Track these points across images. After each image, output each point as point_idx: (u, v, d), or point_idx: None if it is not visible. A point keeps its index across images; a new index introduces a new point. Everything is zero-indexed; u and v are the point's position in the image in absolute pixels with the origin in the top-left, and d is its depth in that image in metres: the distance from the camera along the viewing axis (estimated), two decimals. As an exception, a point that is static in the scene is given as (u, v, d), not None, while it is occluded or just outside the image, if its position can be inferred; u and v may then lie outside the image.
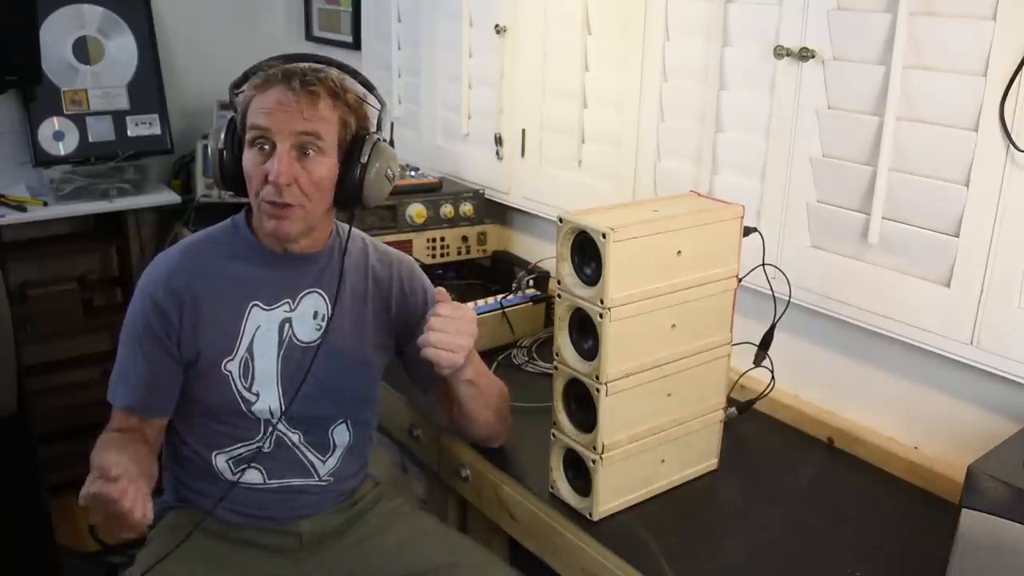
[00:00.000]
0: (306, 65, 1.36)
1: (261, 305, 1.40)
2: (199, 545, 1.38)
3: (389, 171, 1.40)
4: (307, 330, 1.43)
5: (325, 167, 1.34)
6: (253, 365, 1.39)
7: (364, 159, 1.36)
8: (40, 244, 2.78)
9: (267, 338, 1.40)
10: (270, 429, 1.41)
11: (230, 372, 1.38)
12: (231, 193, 1.40)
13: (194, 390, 1.39)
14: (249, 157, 1.33)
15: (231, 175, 1.38)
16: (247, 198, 1.38)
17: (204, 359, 1.38)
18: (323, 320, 1.43)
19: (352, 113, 1.37)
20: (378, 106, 1.42)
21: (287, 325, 1.42)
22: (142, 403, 1.38)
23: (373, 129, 1.41)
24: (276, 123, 1.30)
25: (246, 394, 1.39)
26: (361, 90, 1.40)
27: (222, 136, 1.37)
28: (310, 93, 1.31)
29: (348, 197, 1.38)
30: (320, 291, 1.44)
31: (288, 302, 1.42)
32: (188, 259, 1.42)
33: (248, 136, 1.33)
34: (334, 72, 1.37)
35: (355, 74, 1.41)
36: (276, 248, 1.41)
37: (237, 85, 1.39)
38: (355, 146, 1.37)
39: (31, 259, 2.76)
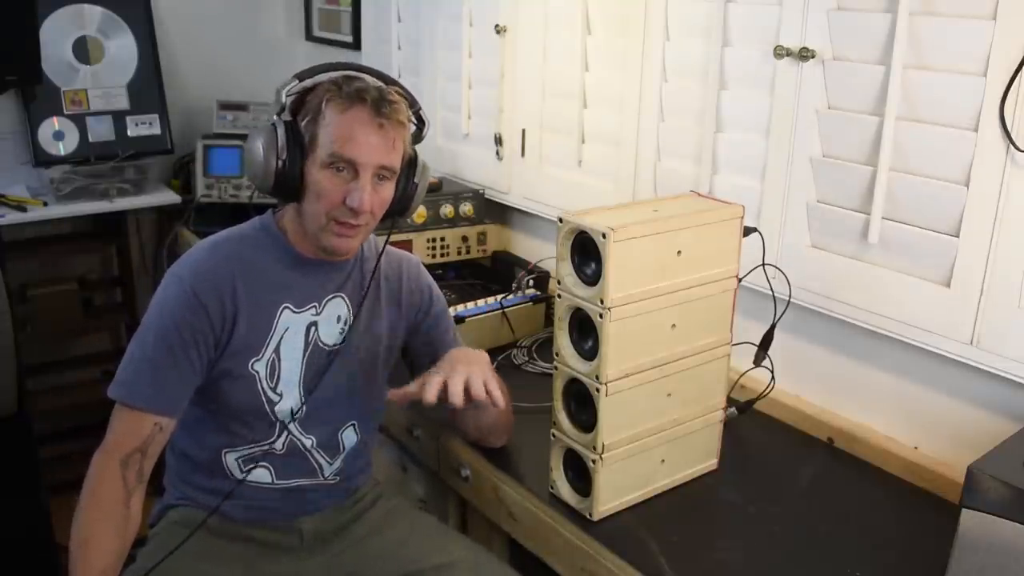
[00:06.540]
0: (378, 85, 1.35)
1: (292, 308, 1.41)
2: (201, 542, 1.38)
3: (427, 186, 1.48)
4: (332, 334, 1.44)
5: (391, 190, 1.39)
6: (280, 366, 1.40)
7: (417, 179, 1.43)
8: (40, 244, 2.77)
9: (294, 340, 1.40)
10: (284, 431, 1.42)
11: (257, 372, 1.38)
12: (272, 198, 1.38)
13: (218, 388, 1.38)
14: (326, 177, 1.32)
15: (292, 186, 1.35)
16: (284, 202, 1.39)
17: (231, 356, 1.36)
18: (345, 324, 1.45)
19: (409, 136, 1.41)
20: (420, 123, 1.44)
21: (313, 328, 1.42)
22: (170, 402, 1.33)
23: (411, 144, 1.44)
24: (364, 156, 1.31)
25: (271, 394, 1.39)
26: (409, 112, 1.41)
27: (281, 143, 1.32)
28: (397, 125, 1.34)
29: (396, 212, 1.43)
30: (343, 296, 1.45)
31: (315, 306, 1.43)
32: (226, 254, 1.39)
33: (327, 159, 1.31)
34: (395, 95, 1.36)
35: (411, 98, 1.41)
36: (308, 253, 1.41)
37: (294, 89, 1.35)
38: (409, 166, 1.42)
39: (31, 259, 2.75)
